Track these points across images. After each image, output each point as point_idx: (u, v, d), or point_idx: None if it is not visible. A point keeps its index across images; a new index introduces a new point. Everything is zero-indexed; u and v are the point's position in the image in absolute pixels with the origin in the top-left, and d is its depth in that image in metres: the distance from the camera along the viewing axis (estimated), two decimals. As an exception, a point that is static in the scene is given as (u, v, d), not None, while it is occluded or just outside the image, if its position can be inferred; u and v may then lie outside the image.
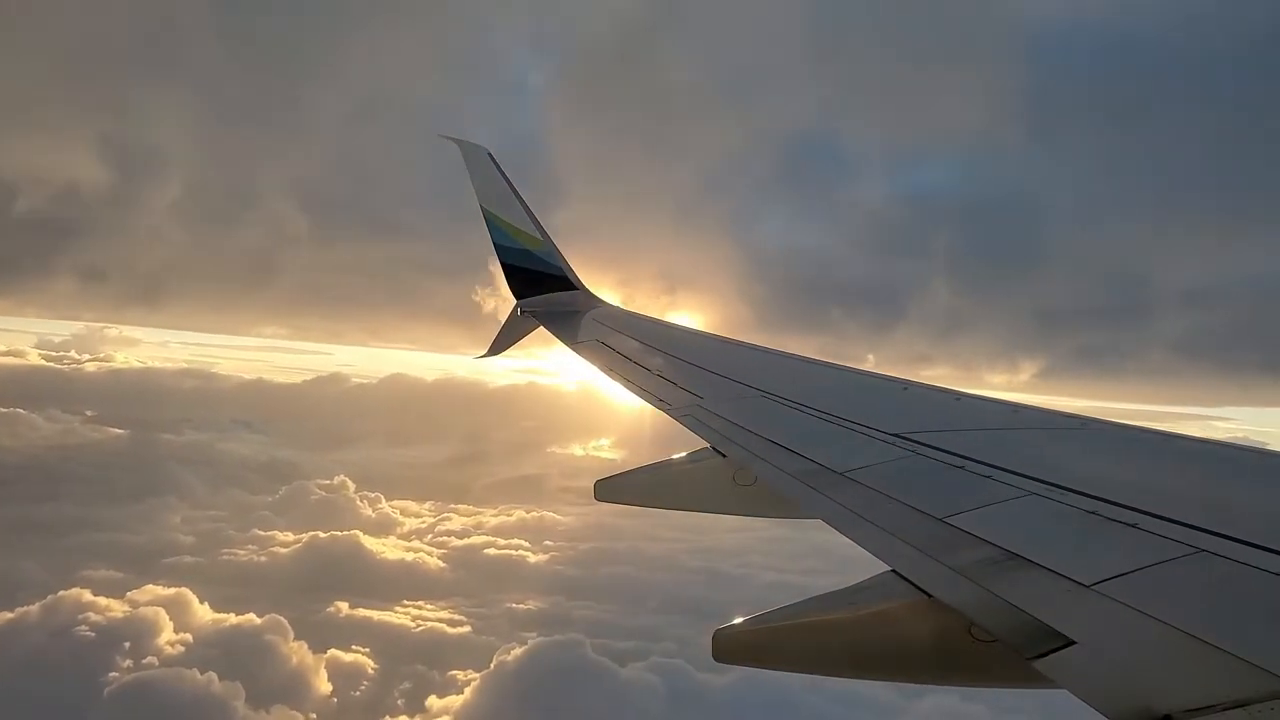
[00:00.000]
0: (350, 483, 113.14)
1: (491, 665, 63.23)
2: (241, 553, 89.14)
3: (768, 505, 4.94)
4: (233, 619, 70.02)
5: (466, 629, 74.80)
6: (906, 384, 6.43)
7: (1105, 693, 2.20)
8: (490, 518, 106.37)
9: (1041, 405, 5.66)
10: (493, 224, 11.79)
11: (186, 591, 72.54)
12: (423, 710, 61.69)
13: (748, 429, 5.43)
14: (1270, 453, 4.09)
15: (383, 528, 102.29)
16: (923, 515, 3.60)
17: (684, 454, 5.54)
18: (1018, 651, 2.49)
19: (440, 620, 77.13)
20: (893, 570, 3.20)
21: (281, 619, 68.51)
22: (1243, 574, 2.72)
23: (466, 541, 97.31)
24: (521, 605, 79.20)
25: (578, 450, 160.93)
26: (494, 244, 11.81)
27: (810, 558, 78.50)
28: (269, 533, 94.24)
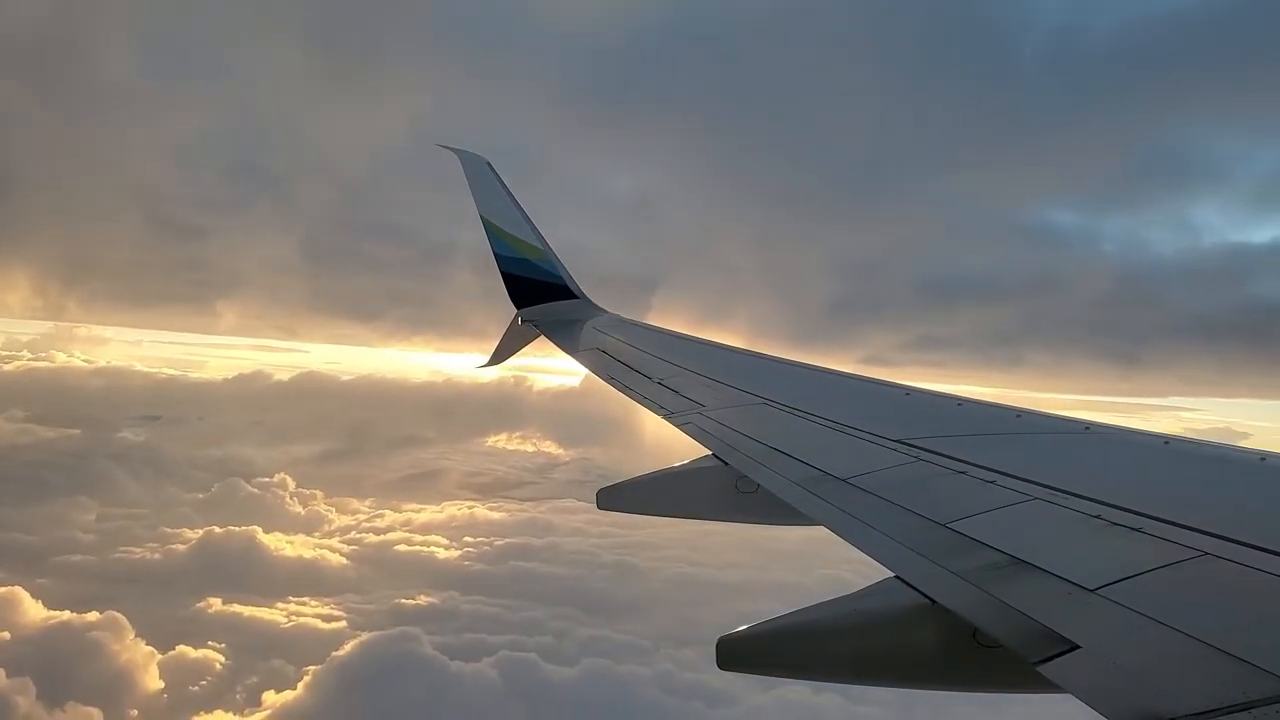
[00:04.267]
0: (290, 480, 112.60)
1: (325, 660, 62.65)
2: (138, 550, 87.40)
3: (770, 512, 4.93)
4: (65, 616, 67.79)
5: (341, 624, 73.06)
6: (909, 390, 6.43)
7: (1110, 696, 2.20)
8: (429, 515, 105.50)
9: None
10: (493, 233, 11.80)
11: (19, 590, 70.52)
12: (258, 704, 60.78)
13: (749, 436, 5.43)
14: (1274, 455, 4.08)
15: (309, 525, 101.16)
16: (926, 521, 3.59)
17: (686, 462, 5.54)
18: (1022, 656, 2.49)
19: (317, 616, 75.69)
20: (897, 576, 3.20)
21: (119, 616, 66.61)
22: (1247, 577, 2.72)
23: (382, 538, 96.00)
24: (410, 601, 77.68)
25: (529, 447, 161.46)
26: (494, 253, 11.82)
27: (733, 552, 79.42)
28: (177, 530, 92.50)
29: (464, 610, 75.43)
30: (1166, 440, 4.54)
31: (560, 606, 75.43)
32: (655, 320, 11.57)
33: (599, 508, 5.57)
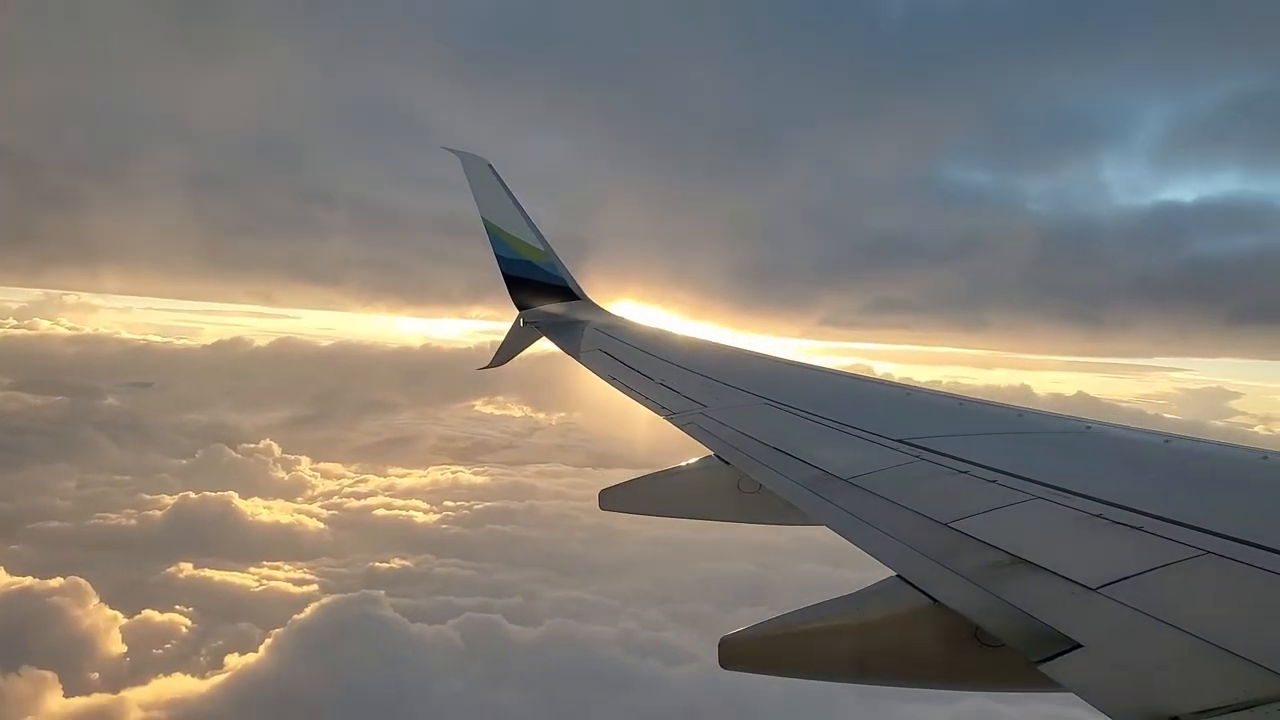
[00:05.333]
0: (275, 446, 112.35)
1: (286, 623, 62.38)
2: (114, 517, 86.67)
3: (772, 512, 4.95)
4: (27, 582, 66.89)
5: (313, 588, 72.52)
6: (910, 389, 6.44)
7: (1112, 695, 2.20)
8: (412, 479, 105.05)
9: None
10: (494, 235, 11.80)
11: (-22, 556, 69.78)
12: (221, 667, 60.36)
13: (751, 436, 5.43)
14: (1275, 453, 4.09)
15: (291, 490, 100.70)
16: (928, 520, 3.60)
17: (688, 462, 5.55)
18: (1024, 655, 2.50)
19: (289, 580, 75.31)
20: (899, 575, 3.20)
21: (82, 581, 65.84)
22: (1249, 575, 2.72)
23: (362, 503, 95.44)
24: (385, 564, 77.39)
25: (516, 412, 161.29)
26: (496, 255, 11.82)
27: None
28: (155, 496, 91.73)
29: (437, 573, 75.25)
30: (1167, 439, 4.55)
31: (535, 569, 75.22)
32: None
33: (601, 509, 5.59)
